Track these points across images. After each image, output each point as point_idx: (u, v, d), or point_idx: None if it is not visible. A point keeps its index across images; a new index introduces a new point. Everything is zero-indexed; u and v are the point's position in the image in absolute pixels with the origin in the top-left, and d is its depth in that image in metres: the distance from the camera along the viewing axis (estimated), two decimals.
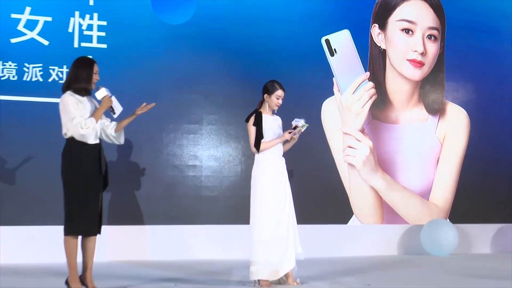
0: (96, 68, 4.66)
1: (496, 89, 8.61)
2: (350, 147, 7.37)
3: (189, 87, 7.37)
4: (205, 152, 7.41)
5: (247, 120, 5.16)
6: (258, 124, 5.09)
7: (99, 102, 4.75)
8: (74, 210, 4.48)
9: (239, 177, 7.44)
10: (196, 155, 7.38)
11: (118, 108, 4.72)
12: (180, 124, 7.35)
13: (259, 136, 5.07)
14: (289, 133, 5.13)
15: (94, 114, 4.63)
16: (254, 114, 5.16)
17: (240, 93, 7.40)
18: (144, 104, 4.80)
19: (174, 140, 7.32)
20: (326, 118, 7.46)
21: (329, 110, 7.43)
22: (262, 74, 6.98)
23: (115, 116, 4.75)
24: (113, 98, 4.72)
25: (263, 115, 5.18)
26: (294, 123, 5.12)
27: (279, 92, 5.20)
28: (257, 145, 5.05)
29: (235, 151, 7.47)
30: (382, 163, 7.87)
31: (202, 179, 7.36)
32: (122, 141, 4.86)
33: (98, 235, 4.64)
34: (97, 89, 4.70)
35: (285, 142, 5.27)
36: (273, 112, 5.29)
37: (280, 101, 5.21)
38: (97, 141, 4.64)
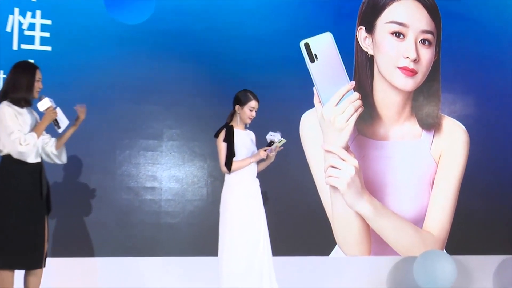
0: (38, 75, 4.62)
1: (499, 102, 8.73)
2: (332, 166, 7.37)
3: (147, 96, 7.34)
4: (165, 172, 7.37)
5: (217, 136, 5.17)
6: (229, 140, 5.10)
7: (42, 114, 4.70)
8: (10, 238, 4.42)
9: (204, 201, 7.41)
10: (155, 175, 7.34)
11: (63, 122, 4.69)
12: (136, 139, 7.31)
13: (231, 153, 5.08)
14: (265, 150, 5.15)
15: (35, 128, 4.58)
16: (225, 129, 5.18)
17: (207, 104, 7.39)
18: (78, 106, 4.76)
19: (129, 159, 7.27)
20: (305, 133, 7.45)
21: (308, 124, 7.38)
22: (233, 83, 6.97)
23: (59, 130, 4.71)
24: (58, 110, 4.68)
25: (234, 129, 5.21)
26: (269, 137, 5.12)
27: (253, 103, 5.27)
28: (228, 164, 5.05)
29: (200, 171, 7.45)
30: (369, 185, 7.90)
31: (162, 204, 7.32)
32: (64, 159, 4.82)
33: (43, 268, 4.58)
34: (40, 99, 4.65)
35: (260, 161, 5.26)
36: (246, 126, 5.31)
37: (254, 113, 5.28)
38: (38, 160, 4.59)
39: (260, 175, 5.33)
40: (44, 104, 4.62)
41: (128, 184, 7.24)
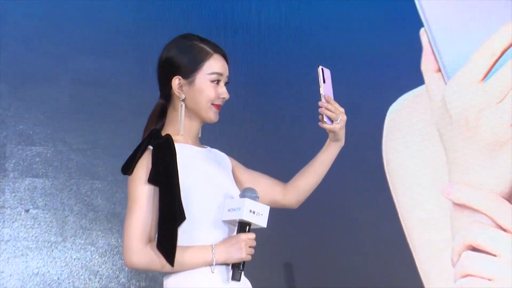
0: None
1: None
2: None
3: None
4: None
5: (126, 170, 2.17)
6: (164, 177, 2.12)
7: None
8: None
9: None
10: None
11: None
12: None
13: (172, 215, 2.09)
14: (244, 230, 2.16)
15: None
16: (148, 148, 2.16)
17: None
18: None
19: None
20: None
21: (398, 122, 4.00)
22: None
23: None
24: None
25: (177, 145, 2.18)
26: (229, 215, 2.14)
27: (218, 64, 2.22)
28: (167, 248, 2.08)
29: None
30: None
31: None
32: None
33: None
34: None
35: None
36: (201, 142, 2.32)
37: (225, 92, 2.22)
38: None
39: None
40: None
41: None
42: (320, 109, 2.20)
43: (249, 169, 2.38)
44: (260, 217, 2.11)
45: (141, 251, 2.04)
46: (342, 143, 2.30)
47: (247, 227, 2.11)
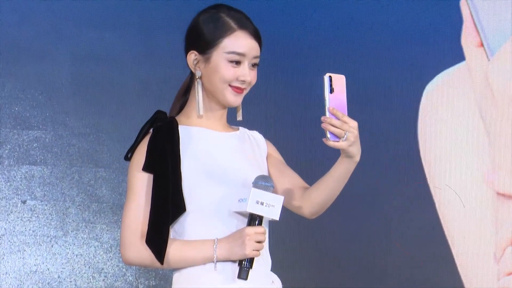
0: None
1: None
2: None
3: None
4: None
5: (126, 155, 2.14)
6: (159, 165, 2.02)
7: None
8: None
9: None
10: None
11: None
12: None
13: (164, 210, 2.01)
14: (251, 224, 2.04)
15: None
16: (150, 132, 2.04)
17: None
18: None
19: None
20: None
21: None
22: None
23: None
24: None
25: (186, 127, 2.08)
26: (240, 206, 2.04)
27: (240, 43, 2.04)
28: (157, 243, 2.00)
29: None
30: None
31: None
32: None
33: None
34: None
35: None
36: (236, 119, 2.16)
37: (246, 74, 2.03)
38: None
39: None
40: None
41: None
42: (322, 125, 1.92)
43: (282, 163, 2.20)
44: (270, 209, 1.96)
45: (135, 245, 1.97)
46: (356, 159, 2.02)
47: (257, 219, 1.96)
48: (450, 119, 3.63)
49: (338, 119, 1.90)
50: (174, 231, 1.98)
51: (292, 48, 3.80)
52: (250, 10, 2.29)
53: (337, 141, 1.93)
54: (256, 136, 2.19)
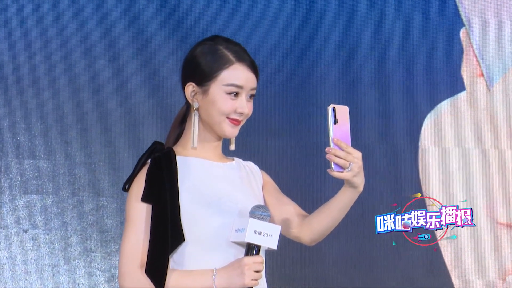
0: None
1: None
2: None
3: None
4: None
5: (124, 186, 2.11)
6: (164, 192, 2.04)
7: None
8: None
9: None
10: None
11: None
12: None
13: (173, 233, 2.02)
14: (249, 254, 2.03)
15: None
16: (148, 162, 2.07)
17: None
18: None
19: None
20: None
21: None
22: None
23: None
24: None
25: (183, 158, 2.08)
26: (236, 236, 2.05)
27: (238, 75, 2.04)
28: (157, 274, 2.00)
29: None
30: None
31: None
32: None
33: None
34: None
35: None
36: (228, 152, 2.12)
37: (244, 107, 2.04)
38: None
39: None
40: None
41: None
42: (327, 156, 1.94)
43: (279, 192, 2.19)
44: (267, 239, 1.98)
45: (134, 275, 1.97)
46: (360, 189, 2.04)
47: (255, 249, 1.98)
48: (451, 149, 3.64)
49: (342, 149, 1.92)
50: (173, 261, 1.97)
51: (291, 79, 3.80)
52: (249, 43, 2.34)
53: (341, 172, 1.94)
54: (251, 166, 2.19)
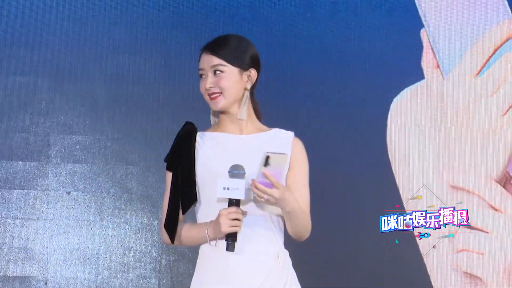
0: None
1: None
2: None
3: None
4: None
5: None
6: (179, 161, 2.29)
7: None
8: None
9: None
10: None
11: None
12: None
13: (178, 200, 2.28)
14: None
15: None
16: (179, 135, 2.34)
17: None
18: None
19: None
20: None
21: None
22: None
23: None
24: None
25: (209, 133, 2.35)
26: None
27: (200, 61, 2.30)
28: (170, 226, 2.29)
29: None
30: None
31: None
32: None
33: None
34: None
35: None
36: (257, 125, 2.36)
37: (202, 85, 2.29)
38: None
39: None
40: None
41: None
42: (250, 184, 2.15)
43: (296, 181, 2.31)
44: (235, 191, 2.16)
45: (163, 229, 2.30)
46: (286, 210, 2.21)
47: (234, 202, 2.18)
48: (412, 126, 3.78)
49: (268, 183, 2.10)
50: (198, 219, 2.29)
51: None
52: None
53: (262, 200, 2.14)
54: (284, 137, 2.32)
